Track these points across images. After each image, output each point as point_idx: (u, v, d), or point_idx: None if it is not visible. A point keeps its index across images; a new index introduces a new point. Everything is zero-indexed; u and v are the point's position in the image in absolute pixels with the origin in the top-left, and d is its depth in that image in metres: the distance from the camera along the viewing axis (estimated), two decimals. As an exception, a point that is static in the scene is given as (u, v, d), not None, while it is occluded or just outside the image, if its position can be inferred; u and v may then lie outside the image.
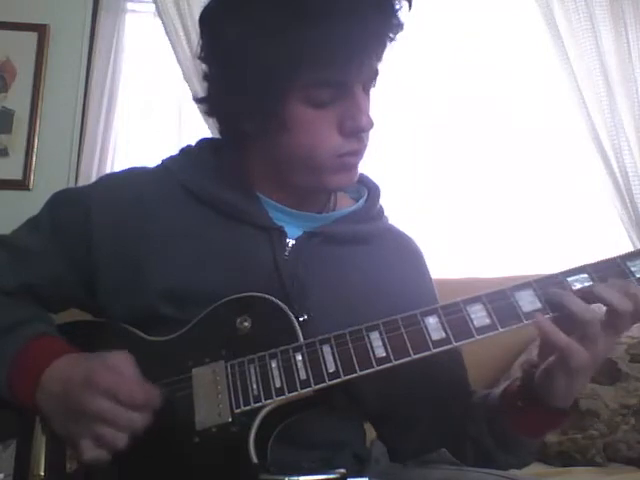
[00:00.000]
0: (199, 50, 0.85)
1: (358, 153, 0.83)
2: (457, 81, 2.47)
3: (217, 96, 0.86)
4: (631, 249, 0.78)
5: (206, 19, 0.84)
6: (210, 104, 0.88)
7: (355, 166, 0.85)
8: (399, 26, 0.79)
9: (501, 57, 2.49)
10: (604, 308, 0.71)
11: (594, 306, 0.72)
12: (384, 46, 0.80)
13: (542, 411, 0.77)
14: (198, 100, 0.89)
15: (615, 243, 2.30)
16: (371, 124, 0.80)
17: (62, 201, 0.91)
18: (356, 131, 0.80)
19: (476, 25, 2.48)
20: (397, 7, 0.78)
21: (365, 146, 0.84)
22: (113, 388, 0.71)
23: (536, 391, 0.77)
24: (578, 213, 2.42)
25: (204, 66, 0.86)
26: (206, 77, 0.86)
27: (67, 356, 0.78)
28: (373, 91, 0.85)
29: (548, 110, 2.48)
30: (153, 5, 2.29)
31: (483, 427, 0.85)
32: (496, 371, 1.85)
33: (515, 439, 0.83)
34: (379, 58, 0.81)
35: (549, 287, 0.74)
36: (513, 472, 0.88)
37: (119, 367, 0.73)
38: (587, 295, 0.72)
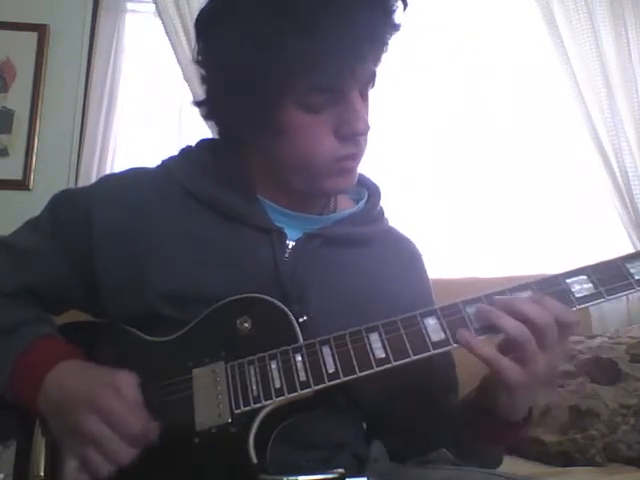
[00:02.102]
0: (195, 54, 0.85)
1: (355, 157, 0.83)
2: (457, 81, 2.48)
3: (214, 100, 0.86)
4: (631, 249, 0.78)
5: (201, 24, 0.84)
6: (207, 108, 0.88)
7: (353, 170, 0.85)
8: (395, 28, 0.79)
9: (501, 57, 2.49)
10: None
11: None
12: (380, 49, 0.80)
13: (494, 423, 0.79)
14: (196, 103, 0.89)
15: (615, 243, 2.30)
16: (367, 128, 0.80)
17: (62, 202, 0.91)
18: (352, 135, 0.80)
19: (476, 25, 2.48)
20: (393, 8, 0.78)
21: (363, 150, 0.83)
22: (114, 414, 0.69)
23: (486, 404, 0.78)
24: (578, 213, 2.42)
25: (202, 69, 0.86)
26: (203, 81, 0.86)
27: (71, 362, 0.78)
28: (373, 91, 0.85)
29: (548, 110, 2.48)
30: (153, 5, 2.30)
31: (448, 440, 0.88)
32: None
33: (475, 449, 0.86)
34: (376, 61, 0.81)
35: (548, 288, 0.74)
36: (514, 472, 0.89)
37: (124, 391, 0.71)
38: (508, 309, 0.71)
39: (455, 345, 0.72)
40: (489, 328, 0.72)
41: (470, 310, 0.73)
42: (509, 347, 0.72)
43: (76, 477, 0.70)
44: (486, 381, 0.79)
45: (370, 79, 0.82)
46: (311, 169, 0.81)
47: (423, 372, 0.83)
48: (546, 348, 0.71)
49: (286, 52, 0.73)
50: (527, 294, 0.74)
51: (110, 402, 0.70)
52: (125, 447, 0.69)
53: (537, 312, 0.70)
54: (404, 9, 0.79)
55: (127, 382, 0.72)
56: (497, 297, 0.73)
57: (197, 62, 0.85)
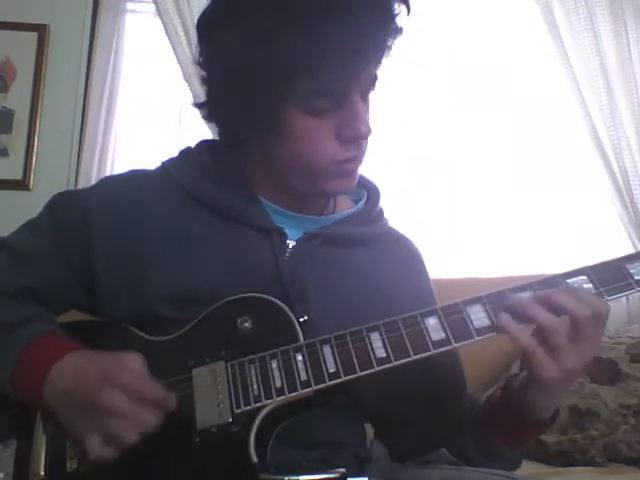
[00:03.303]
0: (197, 55, 0.84)
1: (356, 160, 0.83)
2: (457, 81, 2.48)
3: (215, 102, 0.86)
4: (631, 249, 0.78)
5: (203, 26, 0.84)
6: (208, 109, 0.88)
7: (354, 172, 0.85)
8: (398, 31, 0.79)
9: (501, 57, 2.49)
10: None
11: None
12: (383, 52, 0.80)
13: (521, 422, 0.79)
14: (197, 105, 0.89)
15: (615, 243, 2.30)
16: (369, 131, 0.80)
17: (61, 203, 0.90)
18: (355, 138, 0.80)
19: (476, 25, 2.48)
20: (396, 12, 0.78)
21: (364, 152, 0.84)
22: (130, 385, 0.71)
23: (514, 403, 0.78)
24: (578, 213, 2.42)
25: (202, 70, 0.85)
26: (204, 82, 0.86)
27: (79, 352, 0.79)
28: (373, 91, 0.85)
29: (548, 110, 2.48)
30: (153, 5, 2.30)
31: (467, 438, 0.87)
32: (495, 372, 1.85)
33: (498, 449, 0.85)
34: (378, 64, 0.81)
35: (549, 289, 0.74)
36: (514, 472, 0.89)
37: (134, 366, 0.73)
38: (545, 302, 0.72)
39: (456, 345, 0.73)
40: (520, 318, 0.72)
41: (476, 319, 0.73)
42: (539, 339, 0.72)
43: (101, 452, 0.71)
44: (513, 379, 0.79)
45: (372, 82, 0.82)
46: (312, 171, 0.81)
47: (426, 372, 0.83)
48: (580, 341, 0.71)
49: (289, 55, 0.73)
50: (528, 294, 0.74)
51: (124, 374, 0.72)
52: (149, 413, 0.71)
53: (575, 304, 0.70)
54: (408, 14, 0.79)
55: (135, 358, 0.74)
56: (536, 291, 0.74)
57: (198, 64, 0.85)
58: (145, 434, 0.71)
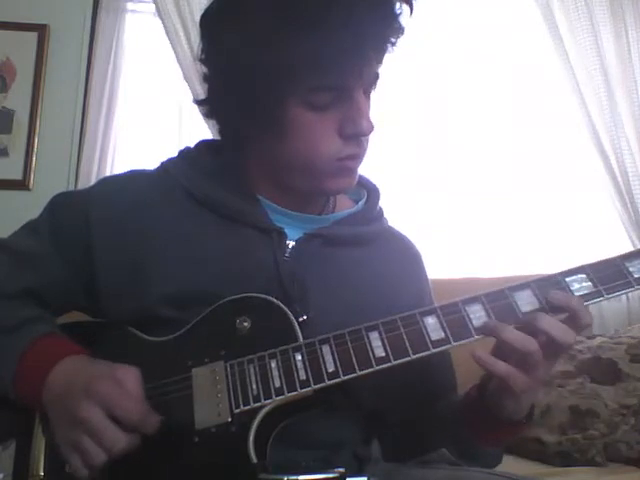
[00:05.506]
0: (199, 52, 0.85)
1: (357, 157, 0.83)
2: (457, 81, 2.48)
3: (216, 98, 0.86)
4: (631, 249, 0.78)
5: (205, 23, 0.84)
6: (209, 106, 0.88)
7: (354, 170, 0.85)
8: (400, 30, 0.79)
9: (501, 57, 2.49)
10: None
11: None
12: (385, 50, 0.80)
13: (497, 423, 0.79)
14: (198, 102, 0.89)
15: (615, 243, 2.30)
16: (371, 128, 0.80)
17: (61, 204, 0.90)
18: (356, 135, 0.80)
19: (476, 25, 2.48)
20: (398, 12, 0.78)
21: (365, 150, 0.84)
22: (110, 400, 0.69)
23: (489, 406, 0.78)
24: (578, 213, 2.42)
25: (204, 67, 0.86)
26: (206, 79, 0.86)
27: (75, 357, 0.78)
28: (374, 90, 0.85)
29: (548, 110, 2.48)
30: (153, 5, 2.30)
31: (447, 440, 0.88)
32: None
33: (476, 448, 0.85)
34: (380, 62, 0.81)
35: (548, 287, 0.74)
36: (513, 472, 0.89)
37: (124, 381, 0.71)
38: (529, 325, 0.72)
39: (455, 344, 0.73)
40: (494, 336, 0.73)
41: (475, 318, 0.73)
42: (508, 352, 0.72)
43: (78, 472, 0.69)
44: (487, 383, 0.79)
45: (374, 80, 0.83)
46: (313, 168, 0.81)
47: (422, 372, 0.83)
48: (554, 355, 0.73)
49: (291, 51, 0.73)
50: (527, 293, 0.74)
51: (107, 388, 0.70)
52: (120, 434, 0.69)
53: (559, 330, 0.71)
54: (410, 14, 0.80)
55: (128, 372, 0.72)
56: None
57: (200, 60, 0.85)
58: (114, 456, 0.69)
